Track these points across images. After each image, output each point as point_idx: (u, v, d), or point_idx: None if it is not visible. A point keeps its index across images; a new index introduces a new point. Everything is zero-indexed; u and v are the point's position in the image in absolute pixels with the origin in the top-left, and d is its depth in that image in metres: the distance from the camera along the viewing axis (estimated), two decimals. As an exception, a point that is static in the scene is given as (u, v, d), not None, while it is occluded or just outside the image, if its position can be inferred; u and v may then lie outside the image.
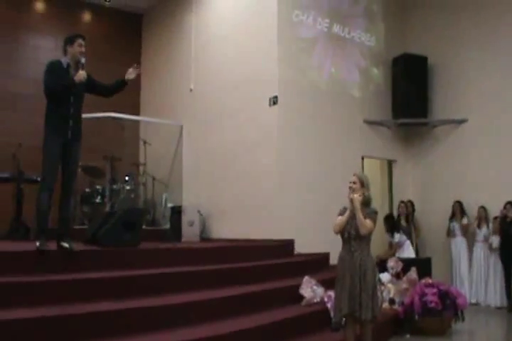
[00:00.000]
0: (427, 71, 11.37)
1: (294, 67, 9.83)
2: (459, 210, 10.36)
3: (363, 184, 5.49)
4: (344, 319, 5.44)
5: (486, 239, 10.00)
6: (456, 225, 10.34)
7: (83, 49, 5.93)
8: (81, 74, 5.77)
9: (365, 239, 5.41)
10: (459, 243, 10.28)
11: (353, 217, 5.37)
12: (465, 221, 10.28)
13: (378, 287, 5.75)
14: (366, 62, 11.26)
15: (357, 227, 5.33)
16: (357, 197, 5.36)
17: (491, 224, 10.03)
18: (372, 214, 5.42)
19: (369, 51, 11.28)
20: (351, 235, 5.35)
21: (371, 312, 5.23)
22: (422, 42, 11.63)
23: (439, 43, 11.39)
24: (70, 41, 5.94)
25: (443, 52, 11.30)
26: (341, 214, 5.49)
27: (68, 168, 5.91)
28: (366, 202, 5.46)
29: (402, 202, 10.79)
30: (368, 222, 5.31)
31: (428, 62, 11.36)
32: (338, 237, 5.53)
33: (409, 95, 11.16)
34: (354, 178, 5.54)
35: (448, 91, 11.19)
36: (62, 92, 5.77)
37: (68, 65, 5.91)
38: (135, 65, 6.31)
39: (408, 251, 10.03)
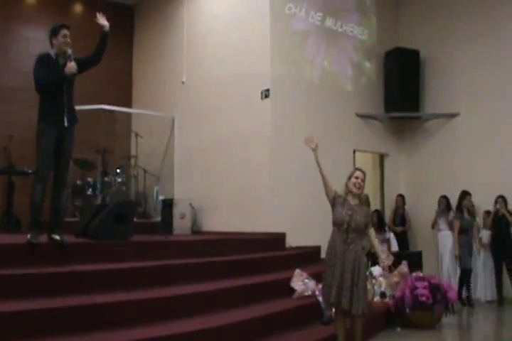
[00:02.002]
0: (419, 65, 11.38)
1: (286, 60, 9.80)
2: (444, 205, 10.37)
3: (364, 182, 5.60)
4: (334, 311, 5.45)
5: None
6: (441, 219, 10.36)
7: (68, 39, 5.86)
8: (71, 67, 5.73)
9: (361, 233, 5.45)
10: (445, 237, 10.27)
11: (354, 210, 5.42)
12: (451, 216, 10.29)
13: (369, 281, 5.80)
14: (359, 55, 11.25)
15: (357, 221, 5.36)
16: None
17: (478, 218, 10.07)
18: (369, 215, 5.76)
19: (361, 45, 11.26)
20: (350, 227, 5.35)
21: (362, 306, 5.25)
22: (414, 36, 11.63)
23: (432, 37, 11.39)
24: (53, 33, 5.88)
25: (435, 46, 11.30)
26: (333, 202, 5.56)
27: (61, 159, 5.87)
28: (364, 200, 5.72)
29: (467, 192, 9.81)
30: (372, 231, 5.65)
31: (420, 56, 11.37)
32: (329, 231, 5.52)
33: (402, 89, 11.16)
34: (361, 174, 5.55)
35: (440, 85, 11.20)
36: (53, 87, 5.74)
37: (57, 56, 5.87)
38: (98, 13, 6.08)
39: (393, 246, 10.13)
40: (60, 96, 5.78)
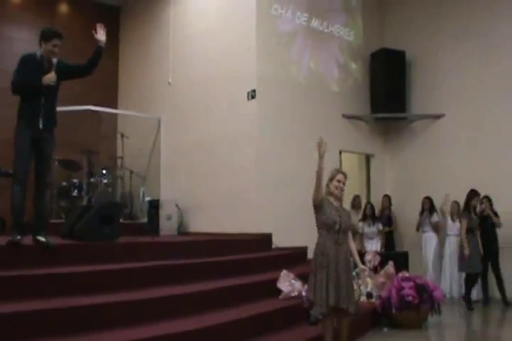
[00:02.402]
0: (405, 65, 11.44)
1: (272, 61, 9.81)
2: (428, 206, 10.43)
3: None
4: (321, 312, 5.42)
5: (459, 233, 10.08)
6: (425, 221, 10.41)
7: (56, 49, 5.85)
8: (49, 78, 5.73)
9: (347, 234, 5.48)
10: (429, 238, 10.35)
11: (340, 211, 5.42)
12: (435, 217, 10.33)
13: (355, 281, 5.84)
14: (345, 56, 11.28)
15: (345, 221, 5.38)
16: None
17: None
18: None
19: (348, 46, 11.30)
20: (341, 228, 5.34)
21: (355, 304, 5.32)
22: (400, 37, 11.69)
23: (417, 38, 11.45)
24: (45, 38, 5.85)
25: (421, 46, 11.37)
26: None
27: (41, 161, 5.84)
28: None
29: (476, 192, 9.52)
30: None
31: (406, 57, 11.43)
32: (316, 231, 5.50)
33: (388, 90, 11.21)
34: (343, 178, 5.50)
35: (426, 86, 11.27)
36: (28, 91, 5.74)
37: (42, 57, 5.85)
38: (98, 25, 6.08)
39: (377, 245, 10.20)
40: (38, 98, 5.76)
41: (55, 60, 5.85)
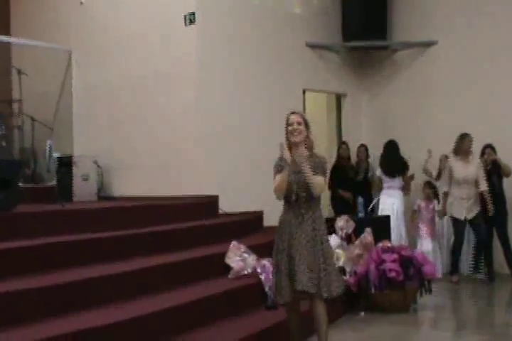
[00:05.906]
0: (386, -20, 11.39)
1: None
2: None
3: (307, 124, 5.36)
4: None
5: None
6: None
7: None
8: None
9: (316, 198, 5.33)
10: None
11: (299, 173, 5.22)
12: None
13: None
14: (309, -33, 11.16)
15: (307, 186, 5.19)
16: (301, 153, 5.19)
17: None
18: (322, 167, 5.34)
19: (312, -46, 11.18)
20: (300, 197, 5.24)
21: (333, 287, 5.23)
22: None
23: None
24: None
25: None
26: (279, 171, 5.29)
27: None
28: (311, 147, 5.39)
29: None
30: (320, 179, 5.22)
31: (386, -31, 11.37)
32: (272, 192, 5.44)
33: (364, 11, 11.14)
34: (294, 117, 5.32)
35: (412, 7, 11.26)
36: None
37: None
38: None
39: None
40: None
41: None
